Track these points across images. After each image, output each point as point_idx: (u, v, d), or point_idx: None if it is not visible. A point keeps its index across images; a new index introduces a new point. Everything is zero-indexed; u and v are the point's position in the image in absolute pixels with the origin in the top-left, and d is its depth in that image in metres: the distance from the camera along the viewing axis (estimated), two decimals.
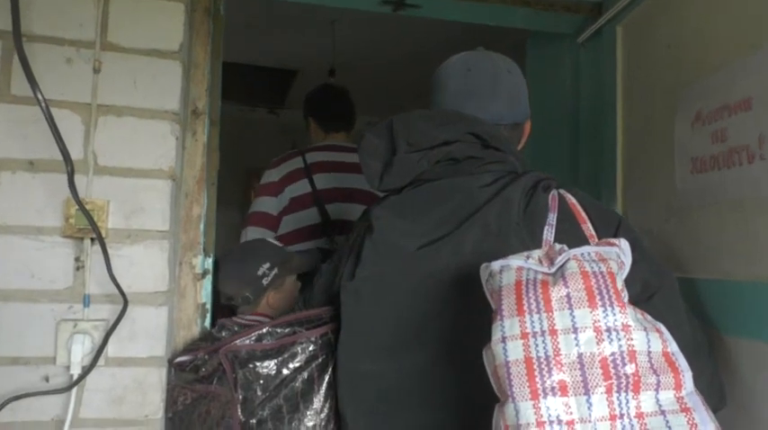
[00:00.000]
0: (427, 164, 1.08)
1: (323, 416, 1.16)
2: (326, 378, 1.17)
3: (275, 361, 1.19)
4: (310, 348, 1.19)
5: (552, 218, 1.01)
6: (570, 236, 0.98)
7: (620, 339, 0.75)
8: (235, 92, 4.25)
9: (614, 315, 0.76)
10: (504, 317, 0.80)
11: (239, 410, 1.16)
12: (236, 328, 1.36)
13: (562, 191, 1.06)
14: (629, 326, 0.76)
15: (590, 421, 0.73)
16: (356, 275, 1.08)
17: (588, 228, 1.00)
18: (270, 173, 2.15)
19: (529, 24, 1.96)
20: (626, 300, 0.79)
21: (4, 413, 1.16)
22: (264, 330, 1.21)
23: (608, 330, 0.76)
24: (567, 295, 0.78)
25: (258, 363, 1.18)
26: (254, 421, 1.16)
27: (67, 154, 1.15)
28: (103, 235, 1.22)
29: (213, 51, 1.48)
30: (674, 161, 1.41)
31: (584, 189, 1.12)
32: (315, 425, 1.15)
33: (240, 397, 1.17)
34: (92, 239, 1.23)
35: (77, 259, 1.23)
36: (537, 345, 0.76)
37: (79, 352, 1.20)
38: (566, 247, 0.85)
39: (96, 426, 1.23)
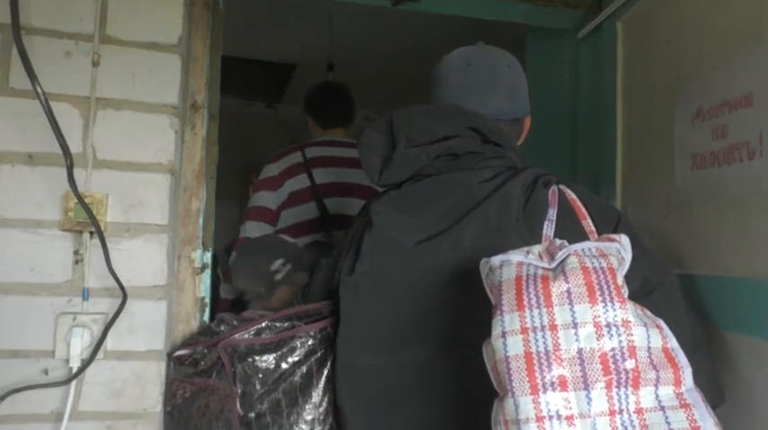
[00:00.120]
0: (427, 159, 1.08)
1: (321, 410, 1.16)
2: (325, 372, 1.17)
3: (274, 355, 1.19)
4: (309, 342, 1.19)
5: (552, 213, 1.01)
6: (570, 231, 0.98)
7: (620, 335, 0.75)
8: (233, 86, 4.24)
9: (614, 310, 0.76)
10: (504, 312, 0.80)
11: (238, 404, 1.16)
12: (234, 322, 1.36)
13: (562, 186, 1.06)
14: (630, 321, 0.76)
15: (589, 416, 0.73)
16: (355, 270, 1.08)
17: (588, 223, 1.00)
18: (269, 167, 2.15)
19: (529, 19, 1.96)
20: (626, 295, 0.79)
21: (3, 405, 1.16)
22: (263, 324, 1.21)
23: (608, 326, 0.76)
24: (568, 290, 0.78)
25: (257, 357, 1.18)
26: (252, 415, 1.16)
27: (67, 147, 1.15)
28: (102, 228, 1.22)
29: (212, 45, 1.48)
30: (674, 157, 1.41)
31: (583, 185, 1.12)
32: (313, 419, 1.15)
33: (239, 390, 1.17)
34: (91, 233, 1.23)
35: (76, 252, 1.23)
36: (537, 340, 0.76)
37: (78, 345, 1.20)
38: (566, 243, 0.85)
39: (95, 419, 1.23)
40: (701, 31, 1.35)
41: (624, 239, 0.87)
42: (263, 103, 5.09)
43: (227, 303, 2.15)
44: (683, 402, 0.74)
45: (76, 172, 1.17)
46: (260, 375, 1.17)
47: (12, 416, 1.19)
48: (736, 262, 1.20)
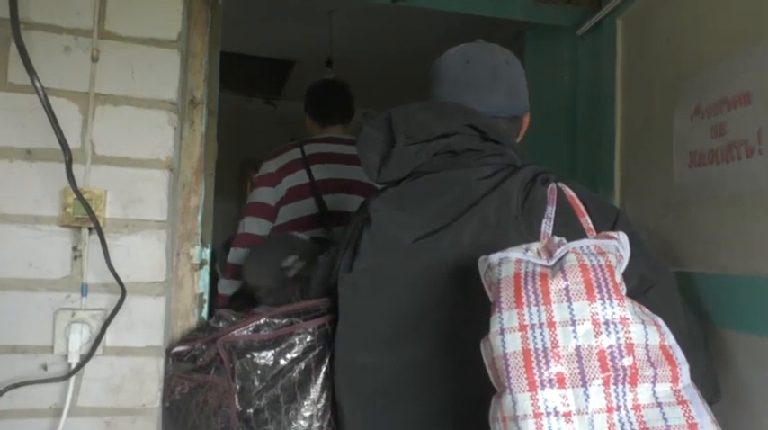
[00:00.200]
0: (425, 156, 1.08)
1: (320, 406, 1.16)
2: (323, 369, 1.17)
3: (272, 351, 1.19)
4: (308, 339, 1.19)
5: (551, 211, 1.01)
6: (569, 229, 0.98)
7: (617, 332, 0.75)
8: (232, 82, 4.23)
9: (612, 308, 0.76)
10: (502, 309, 0.80)
11: (236, 400, 1.16)
12: (233, 319, 1.36)
13: (561, 184, 1.06)
14: (627, 319, 0.76)
15: (587, 413, 0.74)
16: (354, 267, 1.08)
17: (586, 221, 1.00)
18: (268, 164, 2.16)
19: (528, 16, 1.96)
20: (624, 293, 0.80)
21: (2, 401, 1.16)
22: (262, 321, 1.21)
23: (606, 323, 0.76)
24: (566, 288, 0.78)
25: (255, 354, 1.19)
26: (251, 411, 1.16)
27: (65, 143, 1.15)
28: (101, 224, 1.21)
29: (211, 41, 1.48)
30: (673, 155, 1.41)
31: (581, 182, 1.12)
32: (311, 415, 1.15)
33: (237, 387, 1.17)
34: (89, 229, 1.23)
35: (75, 248, 1.23)
36: (535, 337, 0.77)
37: (77, 341, 1.20)
38: (564, 240, 0.85)
39: (94, 415, 1.23)
40: (700, 29, 1.35)
41: (622, 237, 0.87)
42: (261, 99, 5.09)
43: (225, 299, 2.15)
44: (680, 399, 0.75)
45: (75, 167, 1.17)
46: (258, 371, 1.18)
47: (10, 412, 1.19)
48: (734, 260, 1.20)
